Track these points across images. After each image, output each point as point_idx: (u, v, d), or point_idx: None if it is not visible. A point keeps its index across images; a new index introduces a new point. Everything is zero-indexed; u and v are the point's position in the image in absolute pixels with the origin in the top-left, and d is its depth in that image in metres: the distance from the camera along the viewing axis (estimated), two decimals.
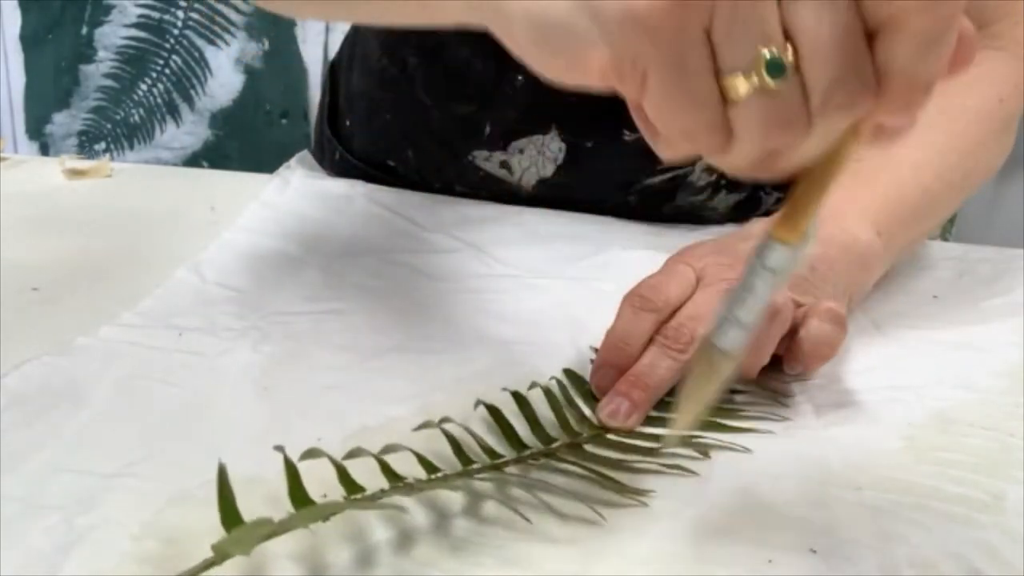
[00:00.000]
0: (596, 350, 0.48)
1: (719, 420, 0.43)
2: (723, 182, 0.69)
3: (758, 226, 0.51)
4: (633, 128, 0.61)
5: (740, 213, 0.72)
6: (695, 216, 0.71)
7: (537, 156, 0.66)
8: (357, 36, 0.77)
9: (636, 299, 0.45)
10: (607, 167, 0.66)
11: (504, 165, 0.67)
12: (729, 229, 0.68)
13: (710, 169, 0.67)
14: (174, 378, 0.45)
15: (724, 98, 0.27)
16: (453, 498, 0.37)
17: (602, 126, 0.65)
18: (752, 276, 0.32)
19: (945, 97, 0.56)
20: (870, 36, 0.26)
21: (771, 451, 0.41)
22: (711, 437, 0.42)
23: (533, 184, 0.68)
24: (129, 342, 0.48)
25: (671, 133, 0.30)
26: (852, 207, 0.51)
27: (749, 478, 0.39)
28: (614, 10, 0.27)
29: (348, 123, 0.77)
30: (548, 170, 0.67)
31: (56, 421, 0.41)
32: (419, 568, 0.33)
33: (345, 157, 0.77)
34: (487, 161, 0.68)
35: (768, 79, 0.26)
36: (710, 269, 0.46)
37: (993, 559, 0.35)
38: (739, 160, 0.29)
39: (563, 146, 0.65)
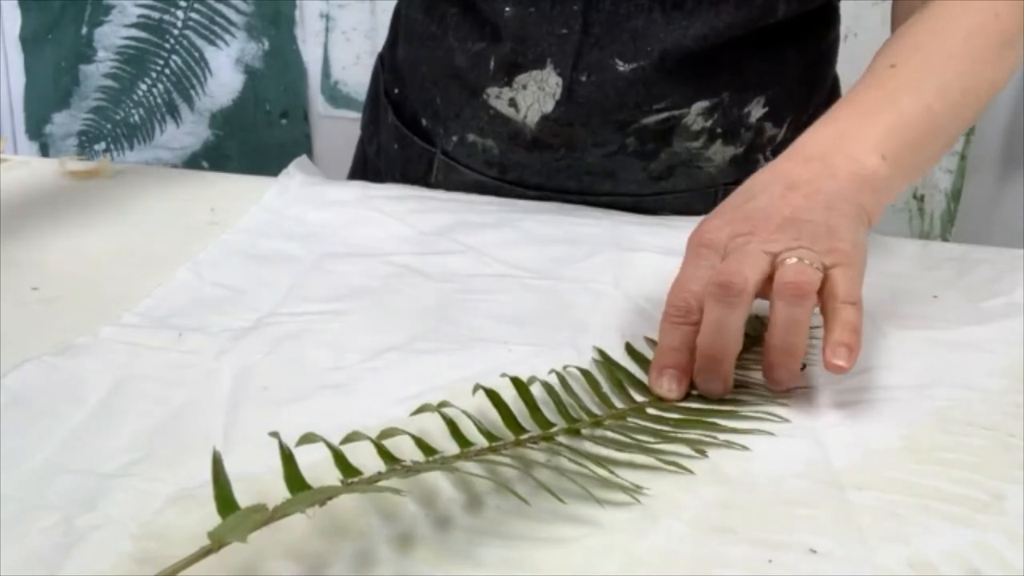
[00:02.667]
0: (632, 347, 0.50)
1: (719, 420, 0.43)
2: (718, 130, 0.70)
3: (758, 176, 0.52)
4: (626, 59, 0.65)
5: (737, 170, 0.73)
6: (693, 167, 0.71)
7: (538, 92, 0.68)
8: (399, 17, 0.81)
9: (672, 313, 0.46)
10: (604, 100, 0.67)
11: (512, 103, 0.69)
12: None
13: (705, 114, 0.68)
14: (174, 378, 0.45)
15: None
16: (454, 498, 0.37)
17: (595, 58, 0.66)
18: None
19: (938, 19, 0.59)
20: None
21: (771, 451, 0.41)
22: (711, 436, 0.42)
23: (536, 121, 0.69)
24: (129, 342, 0.48)
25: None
26: (855, 138, 0.52)
27: (749, 478, 0.39)
28: None
29: (397, 90, 0.81)
30: (548, 105, 0.68)
31: (56, 421, 0.41)
32: (419, 568, 0.33)
33: (395, 123, 0.80)
34: (498, 99, 0.70)
35: None
36: (731, 244, 0.47)
37: (993, 559, 0.35)
38: None
39: (560, 80, 0.67)
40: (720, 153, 0.71)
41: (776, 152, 0.70)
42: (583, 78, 0.67)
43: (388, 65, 0.82)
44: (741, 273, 0.44)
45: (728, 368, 0.45)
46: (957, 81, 0.56)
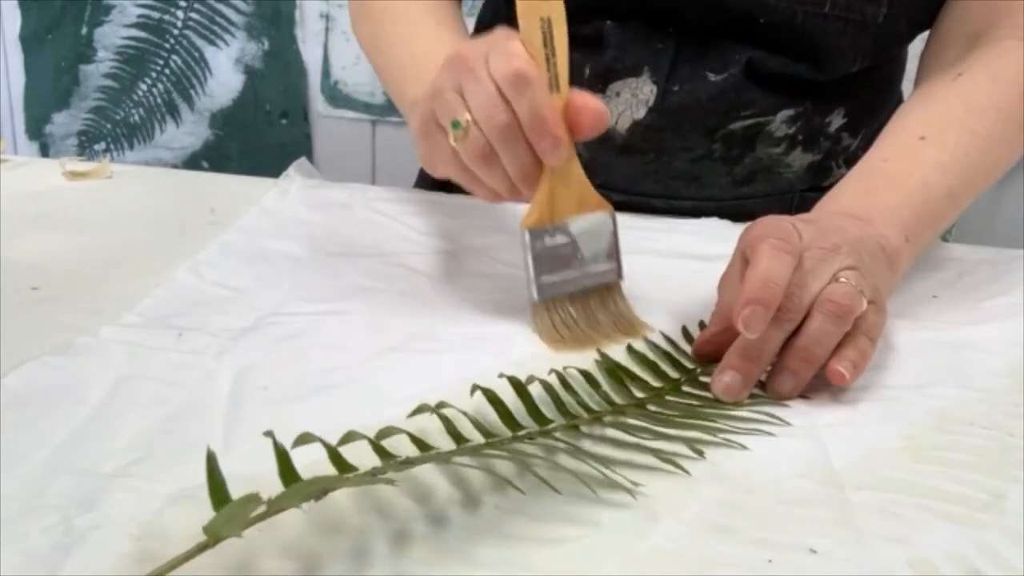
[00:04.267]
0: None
1: (719, 420, 0.43)
2: (800, 137, 0.72)
3: (803, 215, 0.53)
4: (716, 70, 0.68)
5: (813, 176, 0.75)
6: (774, 172, 0.73)
7: (631, 99, 0.70)
8: (481, 30, 0.82)
9: (775, 241, 0.46)
10: (695, 107, 0.69)
11: None
12: (712, 222, 0.70)
13: (789, 121, 0.70)
14: (174, 378, 0.45)
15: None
16: (452, 497, 0.37)
17: (687, 71, 0.68)
18: (524, 251, 0.51)
19: (975, 96, 0.59)
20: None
21: (771, 451, 0.41)
22: (710, 436, 0.42)
23: (627, 127, 0.71)
24: (129, 342, 0.48)
25: (427, 160, 0.53)
26: (883, 212, 0.54)
27: (749, 478, 0.39)
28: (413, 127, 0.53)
29: None
30: (640, 112, 0.70)
31: (56, 421, 0.41)
32: (416, 567, 0.33)
33: None
34: None
35: (452, 131, 0.49)
36: (813, 254, 0.48)
37: (993, 559, 0.35)
38: (480, 185, 0.52)
39: (654, 88, 0.69)
40: (799, 159, 0.73)
41: (848, 162, 0.75)
42: (675, 88, 0.69)
43: None
44: (799, 297, 0.46)
45: (754, 371, 0.46)
46: (980, 164, 0.57)
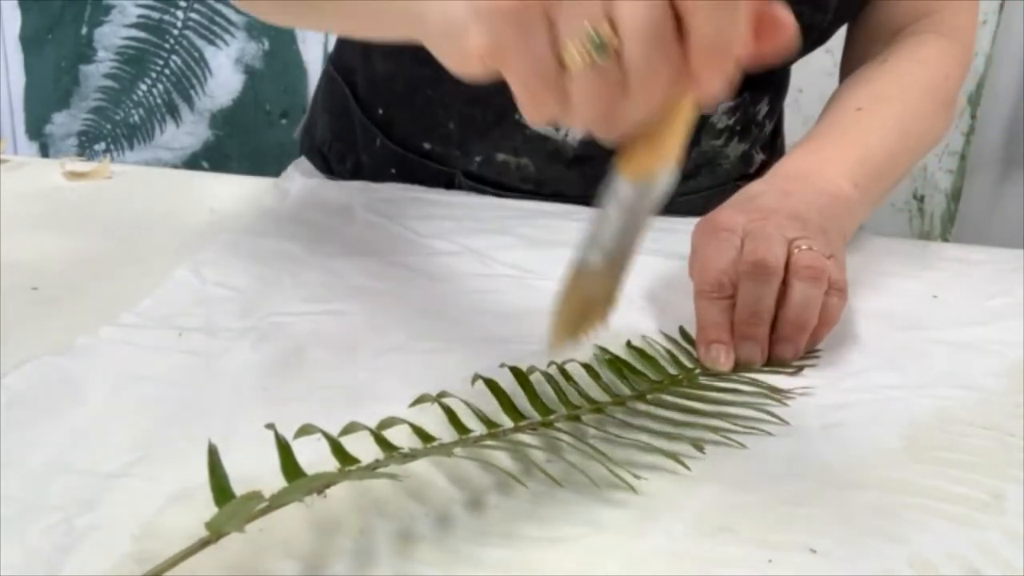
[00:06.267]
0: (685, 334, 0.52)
1: (719, 420, 0.43)
2: (737, 128, 0.74)
3: (752, 186, 0.57)
4: None
5: (743, 165, 0.79)
6: (715, 164, 0.76)
7: None
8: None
9: (707, 290, 0.50)
10: None
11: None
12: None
13: (729, 112, 0.73)
14: (174, 378, 0.45)
15: (564, 71, 0.35)
16: (454, 497, 0.37)
17: None
18: (608, 206, 0.39)
19: (903, 75, 0.67)
20: (679, 21, 0.33)
21: (771, 451, 0.41)
22: (710, 434, 0.42)
23: (579, 138, 0.71)
24: (129, 342, 0.48)
25: (523, 99, 0.36)
26: (831, 166, 0.59)
27: (749, 477, 0.39)
28: (482, 4, 0.34)
29: (381, 111, 0.77)
30: None
31: (56, 421, 0.41)
32: (419, 568, 0.33)
33: (385, 144, 0.77)
34: None
35: (594, 55, 0.34)
36: (749, 226, 0.52)
37: (993, 559, 0.35)
38: (577, 122, 0.37)
39: None
40: (735, 150, 0.76)
41: (764, 148, 0.80)
42: None
43: (364, 82, 0.78)
44: (773, 252, 0.49)
45: (766, 335, 0.49)
46: (913, 130, 0.65)
